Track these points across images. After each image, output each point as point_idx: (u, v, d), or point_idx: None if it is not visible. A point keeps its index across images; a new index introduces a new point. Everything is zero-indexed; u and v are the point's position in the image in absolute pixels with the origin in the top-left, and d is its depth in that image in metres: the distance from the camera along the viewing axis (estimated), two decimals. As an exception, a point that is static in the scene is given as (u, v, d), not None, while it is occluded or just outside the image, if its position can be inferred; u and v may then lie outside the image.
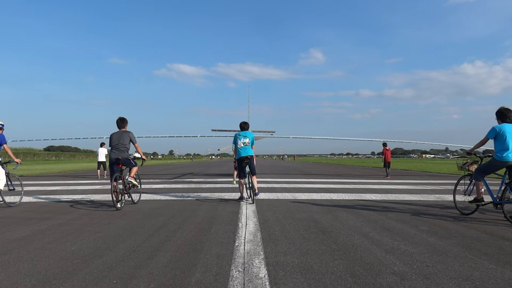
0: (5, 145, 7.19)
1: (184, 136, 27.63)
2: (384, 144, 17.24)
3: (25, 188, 8.31)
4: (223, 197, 8.47)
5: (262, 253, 3.59)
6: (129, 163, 7.01)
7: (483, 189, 5.55)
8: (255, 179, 7.56)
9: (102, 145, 16.78)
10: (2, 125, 7.24)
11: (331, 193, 9.31)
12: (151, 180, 14.62)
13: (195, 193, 9.36)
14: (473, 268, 3.11)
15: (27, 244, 4.02)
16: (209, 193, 9.34)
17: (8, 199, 7.42)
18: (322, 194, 9.19)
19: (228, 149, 18.68)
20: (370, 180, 14.62)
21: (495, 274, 2.96)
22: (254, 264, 3.22)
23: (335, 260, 3.35)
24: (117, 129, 7.20)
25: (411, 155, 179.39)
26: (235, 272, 3.02)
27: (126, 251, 3.67)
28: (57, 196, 8.85)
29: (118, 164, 6.83)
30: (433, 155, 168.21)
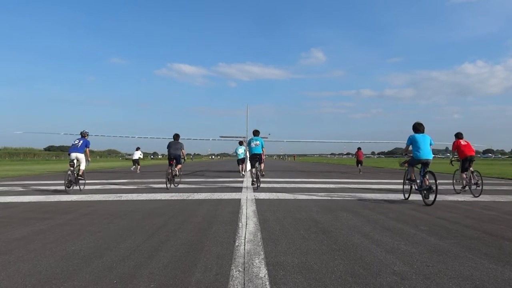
0: (87, 149, 10.12)
1: (193, 139, 28.36)
2: (359, 148, 22.42)
3: (26, 188, 8.30)
4: (223, 197, 8.47)
5: (262, 253, 3.59)
6: (179, 159, 11.36)
7: (414, 175, 7.72)
8: (262, 165, 10.89)
9: (137, 149, 22.48)
10: (87, 132, 10.40)
11: (331, 193, 9.31)
12: (151, 180, 14.62)
13: (195, 193, 9.36)
14: (473, 268, 3.11)
15: (27, 244, 4.03)
16: (209, 193, 9.34)
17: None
18: (322, 194, 9.19)
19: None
20: (370, 180, 14.62)
21: (495, 274, 2.96)
22: (254, 264, 3.22)
23: (335, 260, 3.35)
24: (173, 140, 11.55)
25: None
26: (235, 272, 3.02)
27: (126, 251, 3.68)
28: (58, 196, 8.86)
29: (171, 160, 11.06)
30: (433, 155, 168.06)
